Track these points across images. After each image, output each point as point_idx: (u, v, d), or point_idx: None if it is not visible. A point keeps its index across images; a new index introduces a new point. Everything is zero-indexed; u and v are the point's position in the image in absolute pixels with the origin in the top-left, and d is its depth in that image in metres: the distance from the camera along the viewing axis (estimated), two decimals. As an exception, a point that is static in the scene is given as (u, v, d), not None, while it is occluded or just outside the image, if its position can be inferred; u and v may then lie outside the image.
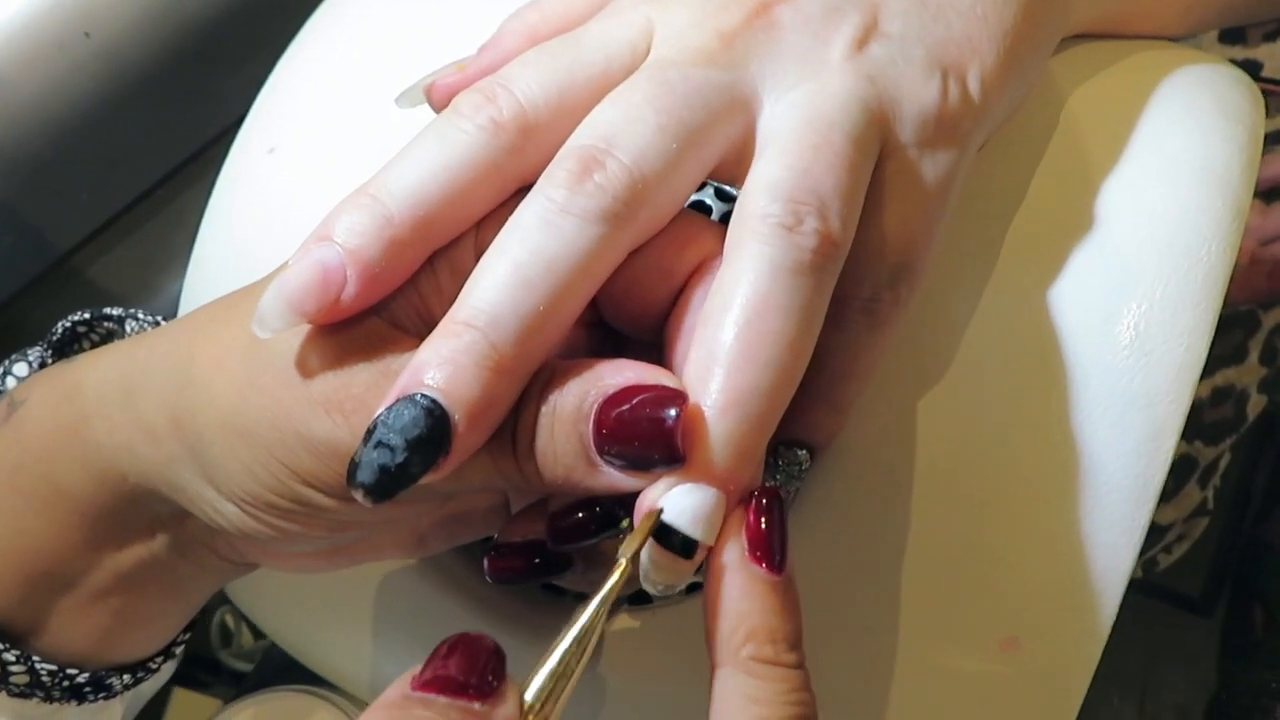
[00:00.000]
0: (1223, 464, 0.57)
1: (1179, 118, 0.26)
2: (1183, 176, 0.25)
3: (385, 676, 0.32)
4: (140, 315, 0.30)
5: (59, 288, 0.44)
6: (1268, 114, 0.27)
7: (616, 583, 0.19)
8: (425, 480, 0.19)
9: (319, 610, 0.32)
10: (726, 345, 0.19)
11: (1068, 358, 0.24)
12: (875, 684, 0.25)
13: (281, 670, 0.40)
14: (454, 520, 0.25)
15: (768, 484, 0.23)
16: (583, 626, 0.19)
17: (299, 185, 0.30)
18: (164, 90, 0.44)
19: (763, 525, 0.20)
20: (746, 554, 0.20)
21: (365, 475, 0.19)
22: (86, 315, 0.29)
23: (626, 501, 0.20)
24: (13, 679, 0.26)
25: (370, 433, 0.19)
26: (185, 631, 0.29)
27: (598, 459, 0.19)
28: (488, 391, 0.19)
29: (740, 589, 0.20)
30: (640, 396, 0.19)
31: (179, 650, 0.30)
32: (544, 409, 0.20)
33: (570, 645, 0.19)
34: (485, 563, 0.23)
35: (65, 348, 0.29)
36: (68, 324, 0.29)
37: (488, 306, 0.19)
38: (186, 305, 0.32)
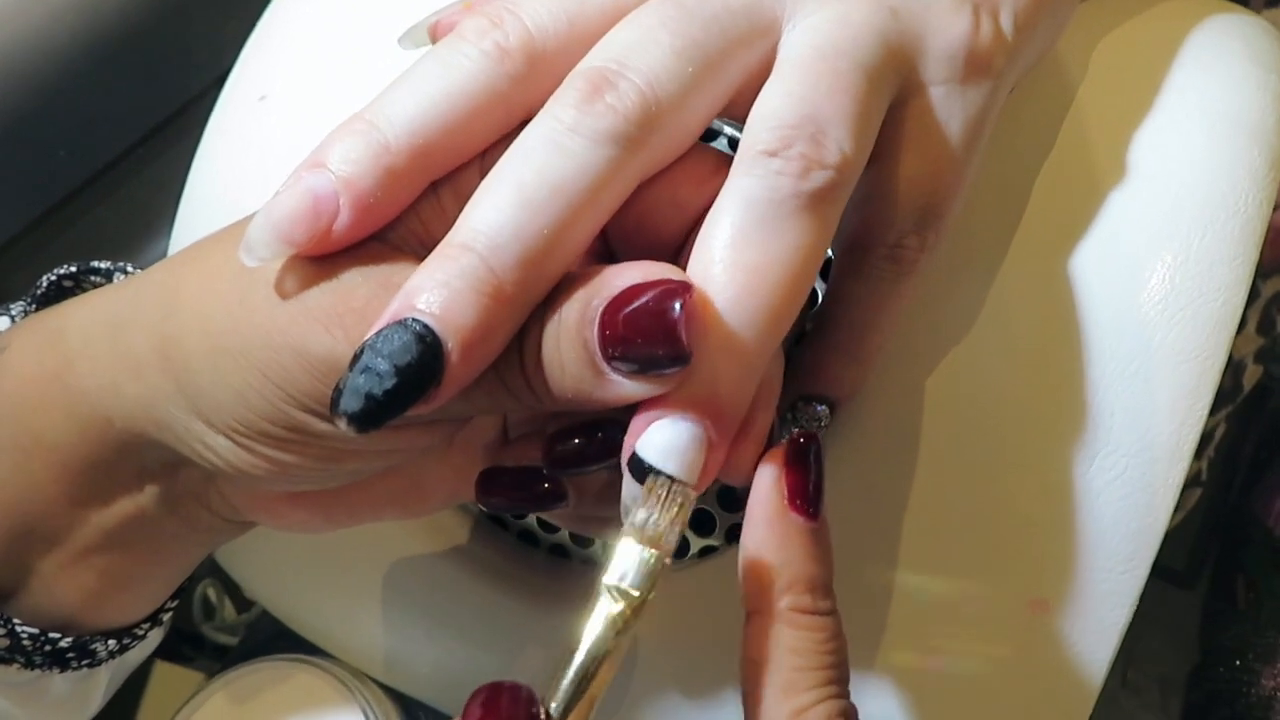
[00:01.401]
0: (1218, 435, 0.57)
1: (1211, 66, 0.25)
2: (1217, 126, 0.24)
3: (379, 644, 0.31)
4: (130, 268, 0.28)
5: (41, 246, 0.42)
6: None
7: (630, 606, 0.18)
8: (415, 411, 0.18)
9: (312, 575, 0.31)
10: (706, 279, 0.19)
11: (1099, 313, 0.23)
12: (900, 647, 0.25)
13: (267, 643, 0.39)
14: (455, 471, 0.24)
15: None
16: (595, 642, 0.18)
17: (291, 133, 0.29)
18: (148, 42, 0.42)
19: (801, 472, 0.19)
20: (785, 501, 0.19)
21: (350, 402, 0.18)
22: (73, 269, 0.28)
23: (625, 429, 0.19)
24: (-9, 643, 0.25)
25: (357, 357, 0.18)
26: (173, 598, 0.28)
27: (604, 365, 0.18)
28: (485, 319, 0.18)
29: (780, 537, 0.19)
30: (645, 294, 0.18)
31: (166, 618, 0.29)
32: (550, 319, 0.19)
33: (586, 660, 0.18)
34: (476, 487, 0.22)
35: (51, 302, 0.28)
36: (53, 277, 0.28)
37: (487, 229, 0.18)
38: (174, 260, 0.30)
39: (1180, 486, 0.22)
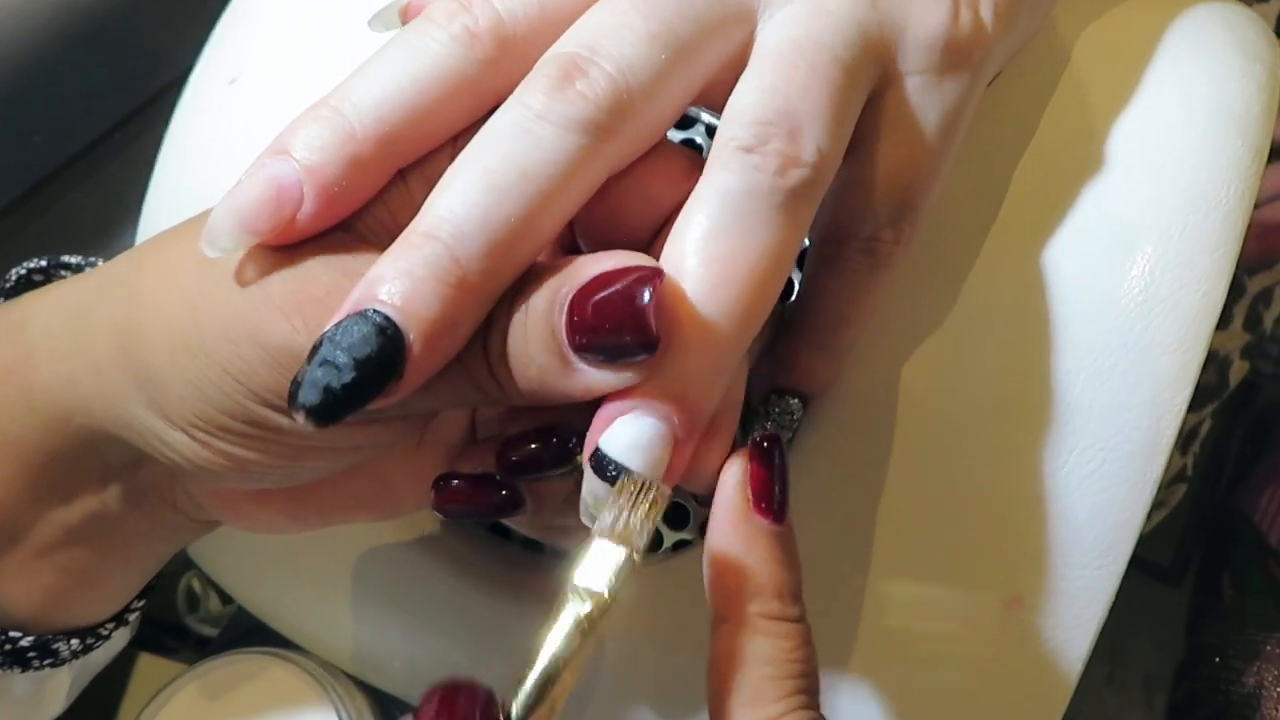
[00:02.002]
0: (1204, 430, 0.57)
1: (1195, 55, 0.25)
2: (1199, 116, 0.24)
3: (353, 638, 0.31)
4: (99, 263, 0.28)
5: (10, 235, 0.41)
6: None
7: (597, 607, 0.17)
8: (376, 405, 0.18)
9: (285, 570, 0.31)
10: (679, 270, 0.18)
11: (1077, 306, 0.23)
12: (875, 644, 0.24)
13: (247, 634, 0.39)
14: (424, 473, 0.24)
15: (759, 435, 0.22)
16: (561, 645, 0.17)
17: (262, 118, 0.28)
18: (123, 27, 0.41)
19: (766, 473, 0.19)
20: (750, 505, 0.19)
21: (308, 395, 0.17)
22: (43, 262, 0.27)
23: (582, 433, 0.19)
24: (-51, 642, 0.24)
25: (316, 349, 0.17)
26: (140, 598, 0.28)
27: (571, 355, 0.18)
28: (448, 310, 0.18)
29: (745, 541, 0.19)
30: (615, 281, 0.18)
31: (133, 618, 0.28)
32: (518, 308, 0.18)
33: (550, 665, 0.17)
34: (432, 494, 0.22)
35: (17, 296, 0.27)
36: (22, 271, 0.27)
37: (452, 216, 0.18)
38: (142, 247, 0.30)
39: (1159, 481, 0.22)
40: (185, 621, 0.49)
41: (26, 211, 0.42)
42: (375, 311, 0.17)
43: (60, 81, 0.41)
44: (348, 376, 0.17)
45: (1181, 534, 0.67)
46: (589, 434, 0.18)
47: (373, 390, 0.17)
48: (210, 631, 0.48)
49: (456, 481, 0.22)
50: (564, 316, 0.18)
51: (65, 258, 0.28)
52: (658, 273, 0.18)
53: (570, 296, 0.18)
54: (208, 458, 0.21)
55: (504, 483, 0.21)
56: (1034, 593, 0.23)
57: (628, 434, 0.18)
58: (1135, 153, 0.24)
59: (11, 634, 0.24)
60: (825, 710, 0.25)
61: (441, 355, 0.18)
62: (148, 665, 0.44)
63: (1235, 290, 0.55)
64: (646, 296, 0.17)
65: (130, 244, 0.40)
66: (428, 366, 0.18)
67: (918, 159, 0.21)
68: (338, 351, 0.17)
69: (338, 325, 0.17)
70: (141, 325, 0.20)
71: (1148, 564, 0.67)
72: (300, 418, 0.17)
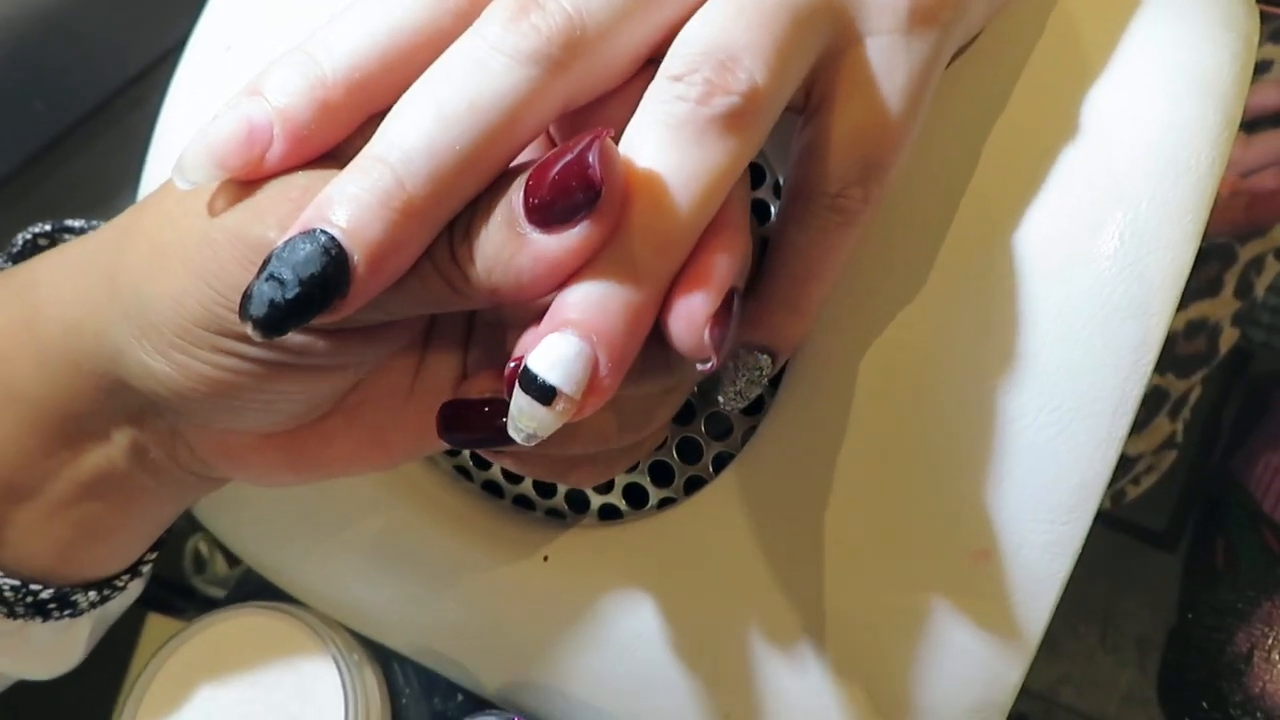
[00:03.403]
0: (1193, 397, 0.57)
1: (1169, 23, 0.25)
2: (1173, 83, 0.24)
3: (349, 591, 0.32)
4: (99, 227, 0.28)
5: (12, 202, 0.42)
6: (1260, 40, 0.26)
7: None
8: (323, 321, 0.19)
9: (284, 526, 0.32)
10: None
11: (1048, 266, 0.23)
12: (845, 597, 0.25)
13: (252, 596, 0.40)
14: (418, 421, 0.25)
15: (729, 391, 0.23)
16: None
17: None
18: (118, -6, 0.42)
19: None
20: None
21: (255, 307, 0.18)
22: (48, 227, 0.28)
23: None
24: (-26, 594, 0.25)
25: (265, 264, 0.18)
26: (152, 550, 0.29)
27: (523, 223, 0.19)
28: (393, 234, 0.18)
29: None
30: (566, 152, 0.18)
31: (146, 569, 0.29)
32: (483, 197, 0.19)
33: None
34: (437, 421, 0.22)
35: (26, 260, 0.28)
36: (28, 235, 0.28)
37: (401, 142, 0.18)
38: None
39: (1123, 440, 0.23)
40: (192, 583, 0.50)
41: (28, 179, 0.43)
42: (322, 232, 0.18)
43: (60, 50, 0.42)
44: (292, 292, 0.18)
45: (1175, 500, 0.68)
46: (520, 350, 0.19)
47: (317, 306, 0.18)
48: (217, 593, 0.49)
49: (463, 408, 0.22)
50: (521, 191, 0.19)
51: (69, 221, 0.28)
52: (603, 131, 0.18)
53: (528, 175, 0.19)
54: (186, 385, 0.21)
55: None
56: (1001, 546, 0.24)
57: (552, 351, 0.18)
58: (1107, 120, 0.24)
59: (32, 586, 0.25)
60: (794, 657, 0.26)
61: (386, 276, 0.19)
62: (156, 624, 0.45)
63: (1226, 258, 0.55)
64: (592, 157, 0.18)
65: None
66: (372, 286, 0.19)
67: (883, 118, 0.21)
68: (284, 268, 0.18)
69: (286, 243, 0.18)
70: (131, 254, 0.22)
71: (1141, 529, 0.68)
72: (249, 328, 0.18)
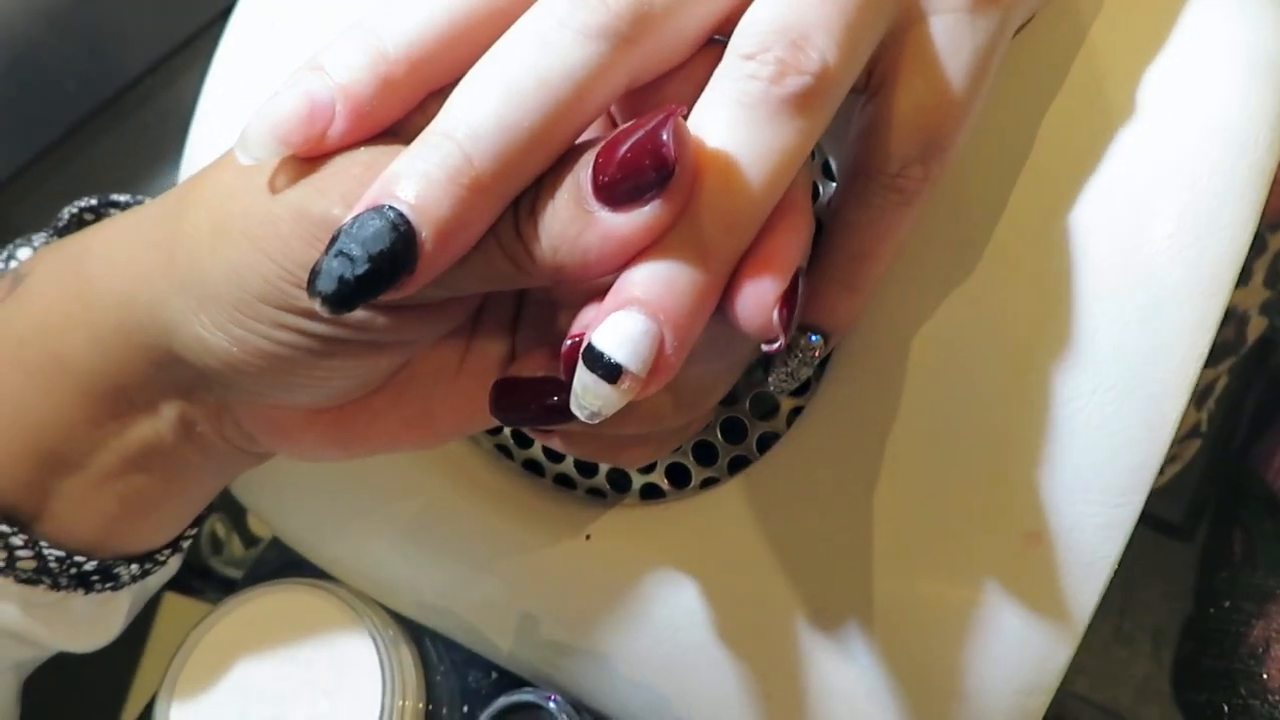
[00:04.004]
0: (1220, 386, 0.57)
1: (1228, 2, 0.25)
2: (1231, 63, 0.24)
3: (386, 568, 0.32)
4: (146, 201, 0.28)
5: (48, 176, 0.42)
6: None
7: None
8: (389, 297, 0.19)
9: (321, 502, 0.32)
10: None
11: (1105, 247, 0.23)
12: (891, 580, 0.25)
13: (272, 575, 0.40)
14: (466, 398, 0.24)
15: (780, 372, 0.23)
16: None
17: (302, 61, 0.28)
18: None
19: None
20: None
21: (324, 283, 0.18)
22: (93, 202, 0.28)
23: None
24: (20, 564, 0.25)
25: (334, 240, 0.18)
26: (192, 526, 0.29)
27: (591, 202, 0.18)
28: (460, 210, 0.18)
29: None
30: (638, 129, 0.18)
31: (185, 545, 0.29)
32: (549, 173, 0.19)
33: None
34: (490, 398, 0.22)
35: (71, 235, 0.28)
36: (74, 210, 0.28)
37: (468, 118, 0.18)
38: (184, 189, 0.31)
39: (1177, 423, 0.23)
40: (209, 563, 0.50)
41: (59, 157, 0.43)
42: (390, 208, 0.18)
43: (91, 28, 0.42)
44: (361, 269, 0.18)
45: (1194, 491, 0.68)
46: (588, 327, 0.19)
47: (385, 283, 0.18)
48: (234, 573, 0.50)
49: (516, 385, 0.22)
50: (589, 169, 0.19)
51: (114, 196, 0.29)
52: (676, 109, 0.18)
53: (597, 151, 0.19)
54: (242, 359, 0.21)
55: (565, 384, 0.20)
56: (1052, 529, 0.24)
57: (617, 329, 0.18)
58: (1164, 100, 0.24)
59: (76, 558, 0.26)
60: (838, 639, 0.26)
61: (453, 252, 0.19)
62: (174, 604, 0.45)
63: (1256, 247, 0.55)
64: (665, 135, 0.18)
65: (170, 183, 0.41)
66: (440, 262, 0.19)
67: (946, 98, 0.21)
68: (353, 244, 0.18)
69: (355, 219, 0.18)
70: (189, 226, 0.22)
71: (1159, 520, 0.68)
72: (317, 304, 0.18)
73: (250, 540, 0.51)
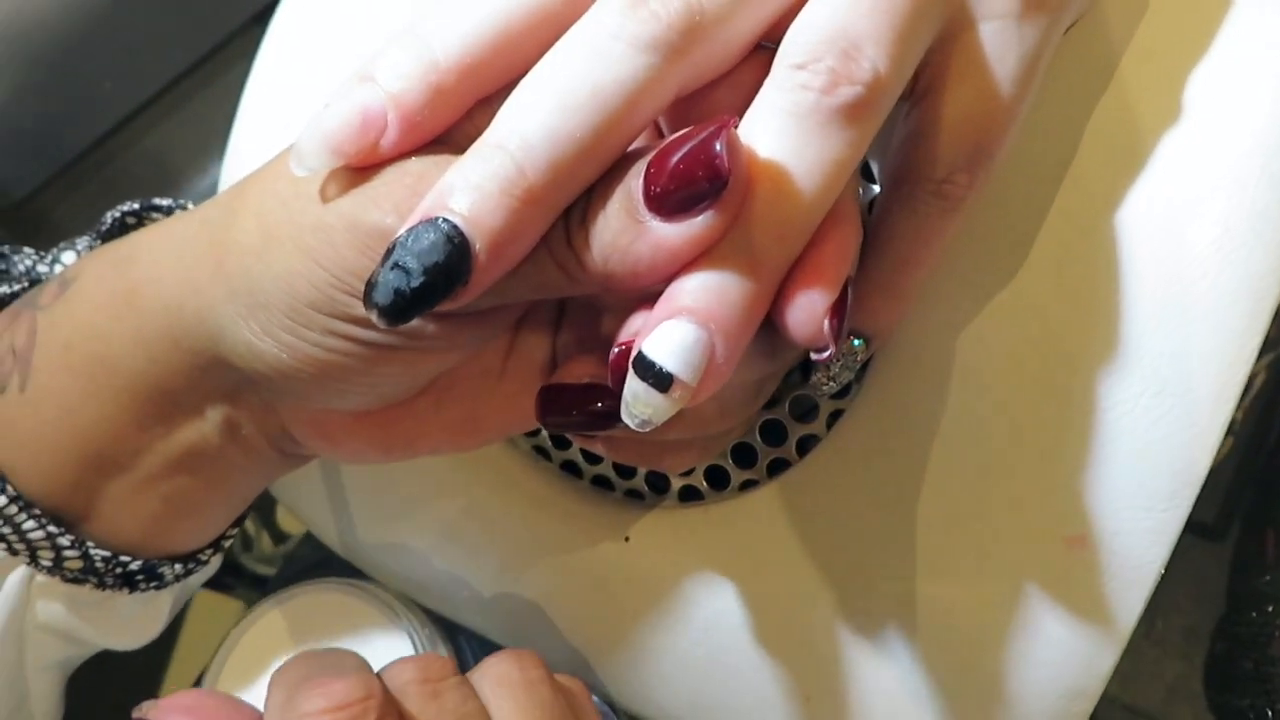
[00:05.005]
0: (1257, 383, 0.56)
1: (1275, 3, 0.24)
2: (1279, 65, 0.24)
3: (423, 568, 0.32)
4: (189, 205, 0.29)
5: (84, 180, 0.43)
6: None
7: None
8: (444, 308, 0.19)
9: (360, 502, 0.32)
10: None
11: (1150, 252, 0.23)
12: (933, 584, 0.25)
13: (305, 572, 0.40)
14: (509, 401, 0.25)
15: (823, 376, 0.23)
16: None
17: (349, 57, 0.29)
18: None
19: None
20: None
21: (380, 296, 0.19)
22: (136, 206, 0.29)
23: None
24: (67, 564, 0.26)
25: (389, 253, 0.19)
26: (233, 526, 0.29)
27: (643, 211, 0.18)
28: (514, 222, 0.18)
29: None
30: (690, 138, 0.18)
31: (227, 544, 0.30)
32: (600, 182, 0.19)
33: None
34: (536, 404, 0.22)
35: (114, 238, 0.28)
36: (117, 214, 0.29)
37: (521, 129, 0.19)
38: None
39: (1225, 428, 0.23)
40: (240, 560, 0.51)
41: (98, 158, 0.43)
42: (444, 220, 0.18)
43: (129, 28, 0.42)
44: (416, 281, 0.18)
45: (1226, 490, 0.67)
46: (637, 336, 0.19)
47: (440, 294, 0.19)
48: (264, 570, 0.50)
49: (562, 391, 0.22)
50: (640, 178, 0.19)
51: (157, 200, 0.29)
52: (729, 120, 0.18)
53: (649, 160, 0.19)
54: (293, 365, 0.22)
55: (611, 390, 0.20)
56: (1097, 533, 0.23)
57: (668, 337, 0.18)
58: (1212, 101, 0.24)
59: (121, 558, 0.26)
60: (878, 641, 0.26)
61: (506, 263, 0.19)
62: (204, 600, 0.46)
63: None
64: (719, 146, 0.18)
65: (209, 185, 0.41)
66: (493, 273, 0.19)
67: (994, 104, 0.21)
68: (408, 257, 0.18)
69: (409, 231, 0.18)
70: (239, 234, 0.22)
71: (1191, 520, 0.67)
72: (374, 316, 0.19)
73: (279, 537, 0.51)
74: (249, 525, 0.52)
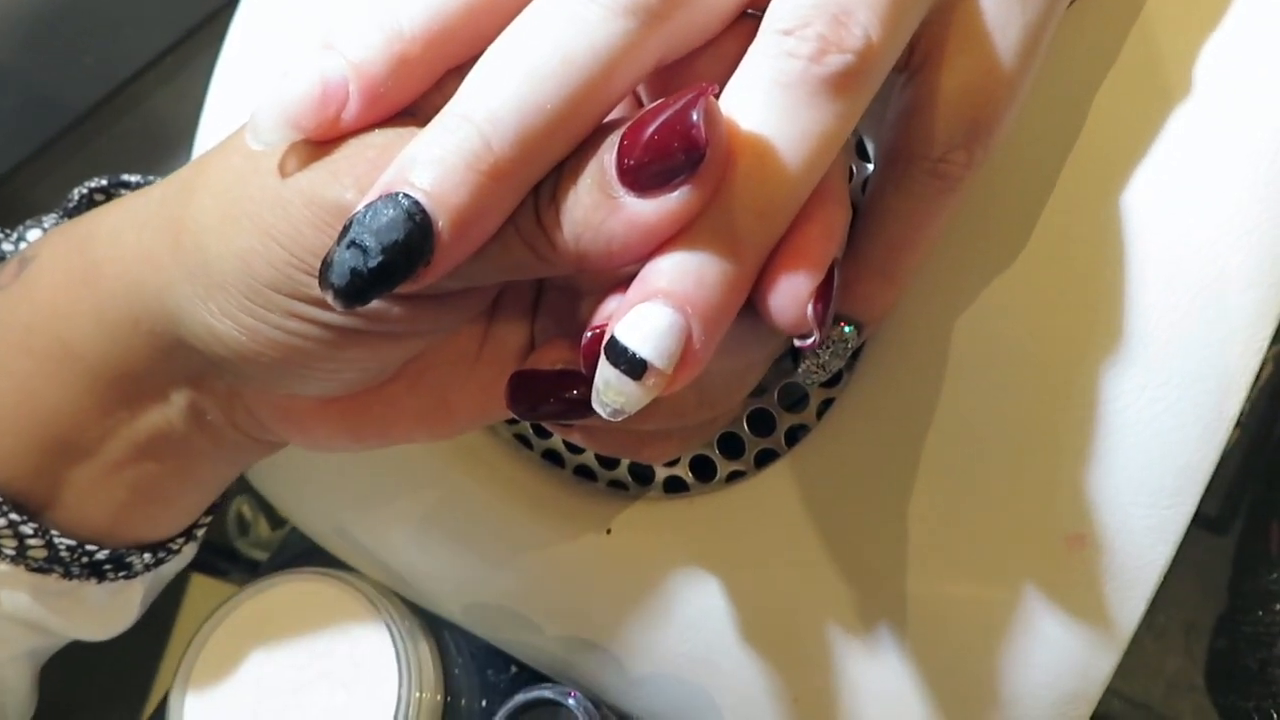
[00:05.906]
0: (1264, 374, 0.56)
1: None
2: (1296, 40, 0.22)
3: (404, 559, 0.31)
4: (156, 182, 0.28)
5: (64, 158, 0.42)
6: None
7: None
8: (406, 289, 0.18)
9: (339, 492, 0.32)
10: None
11: (1158, 234, 0.22)
12: (925, 581, 0.24)
13: (298, 558, 0.40)
14: (483, 389, 0.24)
15: (812, 364, 0.22)
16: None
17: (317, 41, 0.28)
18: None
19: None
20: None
21: (336, 276, 0.17)
22: (103, 182, 0.28)
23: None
24: (30, 553, 0.25)
25: (346, 229, 0.17)
26: (207, 514, 0.29)
27: (617, 187, 0.17)
28: (479, 198, 0.17)
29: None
30: (666, 108, 0.17)
31: (200, 533, 0.29)
32: (572, 156, 0.18)
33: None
34: (506, 391, 0.21)
35: (81, 215, 0.28)
36: (84, 190, 0.28)
37: (488, 99, 0.17)
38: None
39: (1234, 420, 0.22)
40: (236, 545, 0.50)
41: (79, 136, 0.42)
42: (405, 196, 0.17)
43: (110, 5, 0.41)
44: (374, 260, 0.17)
45: (1230, 482, 0.66)
46: (610, 319, 0.18)
47: (400, 275, 0.17)
48: (260, 555, 0.50)
49: (533, 378, 0.21)
50: (614, 151, 0.18)
51: (125, 177, 0.28)
52: (707, 88, 0.17)
53: (622, 132, 0.18)
54: (253, 348, 0.21)
55: (585, 377, 0.19)
56: (1098, 532, 0.22)
57: (641, 322, 0.17)
58: (1223, 78, 0.23)
59: (88, 547, 0.25)
60: (868, 640, 0.25)
61: (471, 243, 0.18)
62: (200, 585, 0.45)
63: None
64: (696, 115, 0.17)
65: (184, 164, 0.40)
66: (457, 253, 0.18)
67: (994, 77, 0.20)
68: (366, 234, 0.17)
69: (368, 207, 0.17)
70: (196, 210, 0.21)
71: (1195, 513, 0.66)
72: (329, 297, 0.18)
73: (277, 522, 0.50)
74: (245, 510, 0.52)
